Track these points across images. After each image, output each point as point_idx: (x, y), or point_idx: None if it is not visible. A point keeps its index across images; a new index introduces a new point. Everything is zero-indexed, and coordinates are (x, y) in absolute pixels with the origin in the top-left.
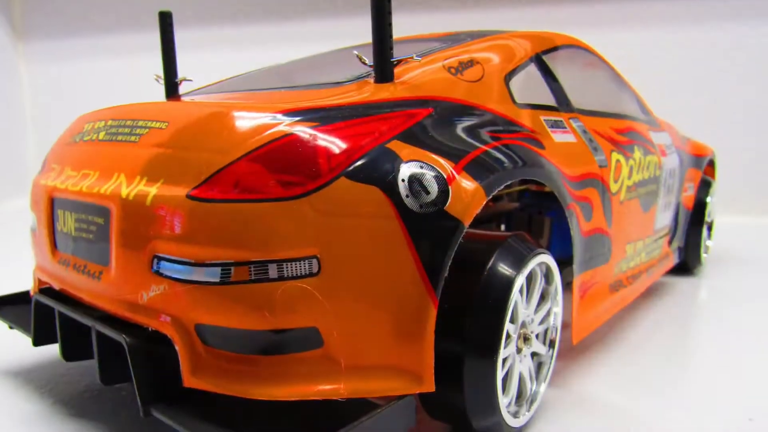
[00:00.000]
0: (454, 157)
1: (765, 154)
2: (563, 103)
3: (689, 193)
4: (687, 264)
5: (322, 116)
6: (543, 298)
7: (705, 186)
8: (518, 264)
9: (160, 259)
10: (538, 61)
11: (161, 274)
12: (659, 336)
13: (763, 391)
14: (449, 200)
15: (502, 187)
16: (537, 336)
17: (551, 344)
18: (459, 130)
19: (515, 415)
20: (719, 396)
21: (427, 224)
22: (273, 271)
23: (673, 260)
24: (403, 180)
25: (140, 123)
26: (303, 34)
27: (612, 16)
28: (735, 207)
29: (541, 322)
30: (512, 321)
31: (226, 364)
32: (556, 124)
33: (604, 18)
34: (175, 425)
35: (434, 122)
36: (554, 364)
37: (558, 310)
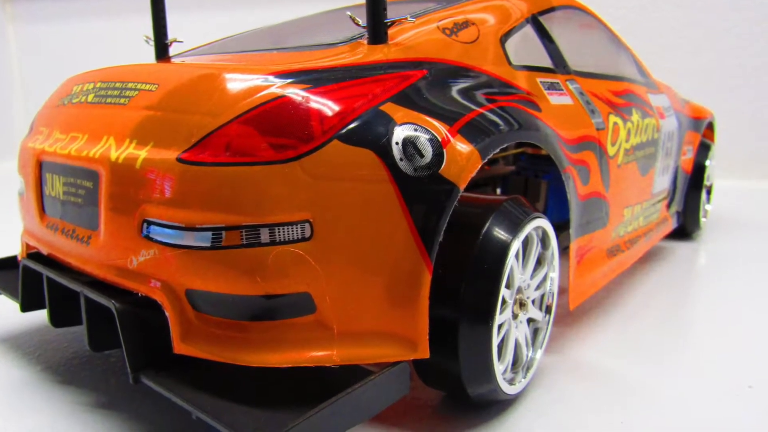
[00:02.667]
0: (449, 120)
1: (764, 117)
2: (560, 65)
3: (688, 156)
4: (685, 228)
5: (314, 78)
6: (539, 263)
7: (704, 149)
8: (514, 228)
9: (150, 223)
10: (535, 22)
11: (151, 239)
12: (657, 301)
13: (762, 357)
14: (444, 163)
15: (497, 150)
16: (533, 301)
17: (548, 310)
18: (454, 92)
19: (511, 382)
20: (718, 362)
21: (421, 188)
22: (265, 236)
23: (671, 224)
24: (397, 143)
25: (130, 85)
26: None
27: None
28: (734, 170)
29: (538, 288)
30: (508, 286)
31: (217, 330)
32: (552, 86)
33: None
34: (164, 392)
35: (429, 84)
36: (551, 330)
37: (555, 275)
